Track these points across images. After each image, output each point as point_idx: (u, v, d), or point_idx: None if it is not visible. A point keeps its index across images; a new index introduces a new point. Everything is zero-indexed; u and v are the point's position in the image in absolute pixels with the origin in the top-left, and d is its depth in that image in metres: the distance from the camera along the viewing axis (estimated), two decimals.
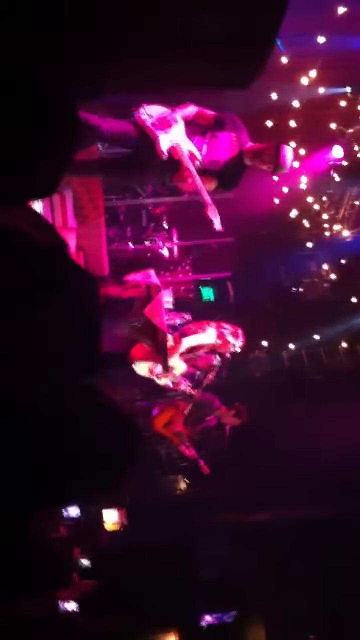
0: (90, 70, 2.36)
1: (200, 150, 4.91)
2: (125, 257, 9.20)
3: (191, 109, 4.97)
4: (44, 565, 5.03)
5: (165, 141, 4.77)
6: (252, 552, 7.80)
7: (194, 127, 5.00)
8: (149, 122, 4.77)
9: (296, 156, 8.62)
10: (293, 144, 5.16)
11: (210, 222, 5.05)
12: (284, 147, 5.04)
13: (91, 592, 5.73)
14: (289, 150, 5.07)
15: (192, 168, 4.82)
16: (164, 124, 4.77)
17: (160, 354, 5.76)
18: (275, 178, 7.69)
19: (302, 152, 8.63)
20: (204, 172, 4.92)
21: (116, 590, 6.45)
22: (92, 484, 2.00)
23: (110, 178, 6.77)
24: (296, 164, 8.79)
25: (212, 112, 5.05)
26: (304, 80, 7.83)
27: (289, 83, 7.77)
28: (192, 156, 4.85)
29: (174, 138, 4.79)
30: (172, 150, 4.81)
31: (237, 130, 5.06)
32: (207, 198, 4.89)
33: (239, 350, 6.52)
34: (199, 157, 4.88)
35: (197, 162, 4.86)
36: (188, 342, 6.21)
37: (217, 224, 5.02)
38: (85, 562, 6.17)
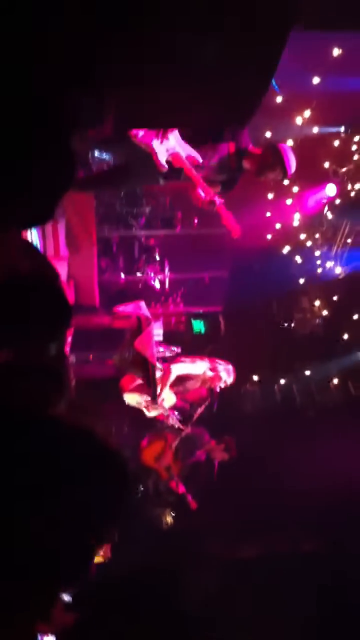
0: (87, 100, 2.37)
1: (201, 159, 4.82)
2: (117, 287, 9.21)
3: None
4: (24, 597, 4.92)
5: (162, 152, 4.65)
6: (242, 585, 7.70)
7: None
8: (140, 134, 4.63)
9: (290, 194, 8.77)
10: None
11: (228, 228, 4.92)
12: (282, 146, 4.96)
13: (71, 626, 5.59)
14: (287, 148, 4.97)
15: (195, 174, 4.72)
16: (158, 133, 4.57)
17: (150, 386, 5.73)
18: (286, 182, 7.42)
19: (295, 189, 8.73)
20: (205, 181, 4.85)
21: (97, 623, 6.32)
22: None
23: (104, 188, 6.69)
24: (289, 201, 8.91)
25: None
26: (298, 120, 7.95)
27: (284, 122, 7.89)
28: (192, 159, 4.71)
29: (170, 146, 4.64)
30: (172, 158, 4.72)
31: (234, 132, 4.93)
32: (219, 202, 4.76)
33: (228, 385, 6.52)
34: (200, 160, 4.74)
35: (199, 166, 4.72)
36: (177, 369, 6.19)
37: (236, 231, 4.89)
38: (66, 596, 6.03)
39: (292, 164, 4.95)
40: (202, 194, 4.71)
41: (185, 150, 4.69)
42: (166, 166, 4.65)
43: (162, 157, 4.61)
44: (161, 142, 4.56)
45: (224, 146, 4.97)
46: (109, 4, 1.96)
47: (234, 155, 5.00)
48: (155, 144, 4.58)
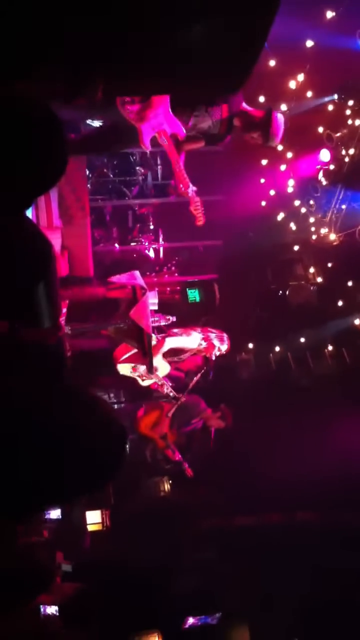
0: (76, 77, 2.33)
1: (188, 123, 4.80)
2: (111, 258, 9.17)
3: None
4: (25, 569, 4.99)
5: (148, 130, 4.64)
6: (237, 556, 7.79)
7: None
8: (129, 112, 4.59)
9: (284, 159, 8.68)
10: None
11: (194, 217, 5.10)
12: (276, 115, 4.93)
13: (73, 595, 5.68)
14: (281, 119, 4.95)
15: (179, 165, 4.78)
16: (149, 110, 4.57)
17: (146, 356, 5.74)
18: (280, 147, 7.32)
19: (289, 155, 8.65)
20: (192, 137, 4.85)
21: (98, 593, 6.42)
22: (78, 485, 1.97)
23: (95, 151, 6.66)
24: (283, 167, 8.84)
25: None
26: (292, 84, 7.85)
27: (277, 86, 7.79)
28: (176, 135, 4.73)
29: (158, 122, 4.62)
30: (158, 135, 4.70)
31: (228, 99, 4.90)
32: (192, 192, 4.88)
33: (224, 353, 6.53)
34: (183, 132, 4.75)
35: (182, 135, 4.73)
36: (171, 342, 6.21)
37: (201, 220, 5.05)
38: (67, 567, 6.12)
39: (279, 130, 4.92)
40: (182, 186, 4.79)
41: (171, 126, 4.67)
42: (150, 146, 4.67)
43: (148, 136, 4.62)
44: (149, 119, 4.55)
45: (217, 110, 4.93)
46: None
47: (226, 119, 4.97)
48: (142, 122, 4.60)
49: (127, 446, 1.97)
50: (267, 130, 4.88)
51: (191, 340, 6.33)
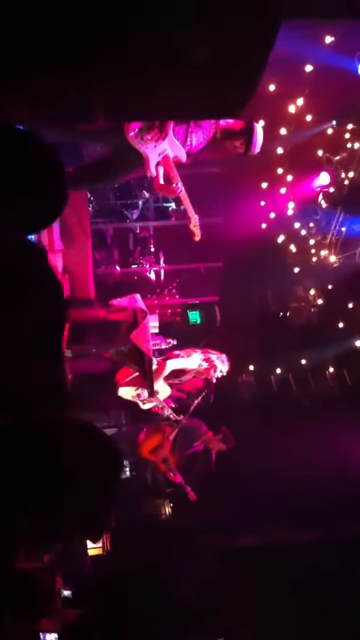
0: (79, 97, 2.35)
1: (186, 142, 4.84)
2: (112, 280, 9.19)
3: None
4: (25, 595, 4.93)
5: (154, 156, 4.69)
6: (239, 575, 7.73)
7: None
8: (141, 142, 4.65)
9: (286, 184, 8.73)
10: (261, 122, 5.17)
11: (192, 234, 5.20)
12: (255, 126, 4.97)
13: (74, 622, 5.60)
14: (259, 129, 5.00)
15: (180, 185, 4.84)
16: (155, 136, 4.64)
17: (146, 379, 5.72)
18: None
19: (289, 178, 8.70)
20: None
21: (99, 618, 6.34)
22: (75, 518, 1.95)
23: (92, 184, 6.70)
24: (283, 190, 8.88)
25: None
26: (291, 108, 7.92)
27: (277, 111, 7.85)
28: (177, 160, 4.79)
29: (162, 148, 4.68)
30: (162, 162, 4.76)
31: None
32: (191, 211, 4.95)
33: (224, 374, 6.52)
34: (184, 159, 4.81)
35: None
36: (172, 365, 6.20)
37: (198, 236, 5.14)
38: (66, 592, 6.05)
39: (259, 140, 4.96)
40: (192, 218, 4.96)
41: (174, 150, 4.73)
42: (154, 173, 4.71)
43: (154, 162, 4.67)
44: (155, 146, 4.60)
45: (207, 124, 4.97)
46: None
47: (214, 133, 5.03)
48: (149, 148, 4.62)
49: (125, 465, 1.96)
50: (250, 138, 4.93)
51: (191, 361, 6.32)
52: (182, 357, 6.30)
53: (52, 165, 1.98)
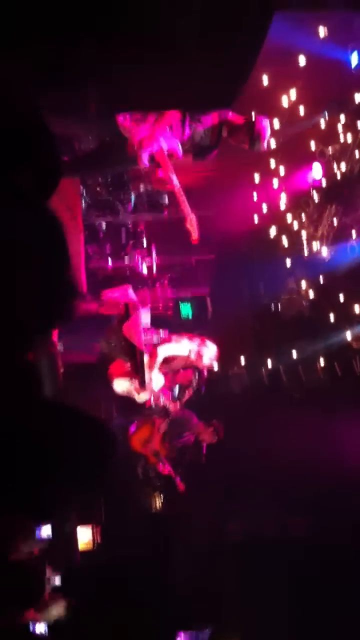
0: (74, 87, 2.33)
1: (184, 138, 4.81)
2: (104, 274, 9.15)
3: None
4: (15, 586, 4.94)
5: (148, 147, 4.67)
6: (229, 567, 7.77)
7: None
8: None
9: (278, 177, 8.71)
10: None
11: (189, 233, 5.16)
12: (261, 120, 4.95)
13: (63, 613, 5.61)
14: (266, 123, 4.97)
15: (175, 179, 4.79)
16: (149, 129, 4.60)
17: (139, 372, 5.72)
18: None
19: (281, 171, 8.69)
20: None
21: (89, 609, 6.36)
22: (67, 493, 1.97)
23: (89, 172, 6.67)
24: (275, 183, 8.87)
25: None
26: (284, 100, 7.89)
27: (269, 102, 7.82)
28: (172, 151, 4.73)
29: (155, 140, 4.60)
30: (156, 155, 4.72)
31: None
32: (187, 209, 4.92)
33: (214, 362, 6.52)
34: (180, 153, 4.77)
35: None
36: (163, 351, 6.18)
37: (195, 235, 5.10)
38: (55, 578, 6.06)
39: (265, 133, 4.92)
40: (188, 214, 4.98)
41: (168, 142, 4.69)
42: (147, 163, 4.68)
43: (147, 154, 4.63)
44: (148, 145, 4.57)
45: (207, 117, 4.94)
46: None
47: (217, 126, 4.97)
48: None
49: (117, 444, 1.99)
50: (253, 133, 4.89)
51: (181, 347, 6.31)
52: (172, 343, 6.29)
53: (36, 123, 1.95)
